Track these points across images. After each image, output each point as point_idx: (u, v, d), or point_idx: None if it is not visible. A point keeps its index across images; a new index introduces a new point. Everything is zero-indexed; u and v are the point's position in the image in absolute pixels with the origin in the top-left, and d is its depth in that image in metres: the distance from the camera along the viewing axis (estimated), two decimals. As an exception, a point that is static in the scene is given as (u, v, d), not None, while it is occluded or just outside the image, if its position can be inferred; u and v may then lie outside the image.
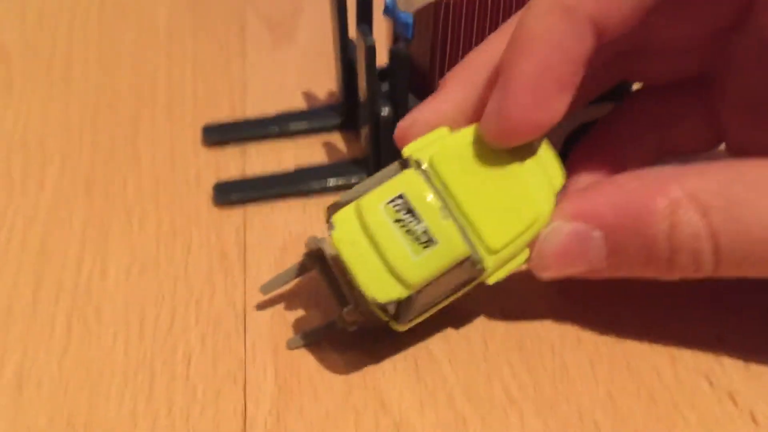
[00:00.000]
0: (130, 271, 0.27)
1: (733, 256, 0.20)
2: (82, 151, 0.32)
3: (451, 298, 0.23)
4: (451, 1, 0.26)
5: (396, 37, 0.29)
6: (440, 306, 0.23)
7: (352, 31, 0.29)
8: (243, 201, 0.29)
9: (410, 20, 0.27)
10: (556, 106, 0.21)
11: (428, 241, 0.21)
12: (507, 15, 0.27)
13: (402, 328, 0.23)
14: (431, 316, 0.23)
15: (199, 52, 0.38)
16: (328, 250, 0.23)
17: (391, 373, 0.24)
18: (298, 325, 0.25)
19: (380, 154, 0.29)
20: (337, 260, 0.22)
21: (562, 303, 0.26)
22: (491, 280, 0.22)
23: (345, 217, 0.21)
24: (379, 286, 0.21)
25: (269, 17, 0.41)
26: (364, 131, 0.30)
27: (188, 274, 0.27)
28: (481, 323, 0.25)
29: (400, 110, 0.27)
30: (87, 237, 0.28)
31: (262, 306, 0.26)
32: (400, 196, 0.21)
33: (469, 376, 0.23)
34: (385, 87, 0.29)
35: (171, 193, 0.30)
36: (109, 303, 0.26)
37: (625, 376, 0.24)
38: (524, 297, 0.26)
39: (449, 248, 0.21)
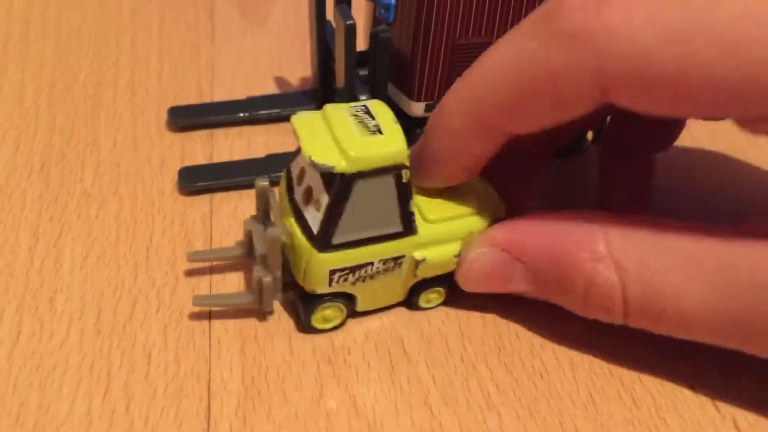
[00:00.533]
0: (87, 258, 0.25)
1: (641, 316, 0.21)
2: (37, 130, 0.30)
3: (379, 255, 0.22)
4: None
5: (376, 22, 0.28)
6: (368, 258, 0.22)
7: (330, 14, 0.28)
8: (210, 189, 0.28)
9: (392, 2, 0.26)
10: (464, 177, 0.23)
11: (376, 132, 0.21)
12: (493, 2, 0.26)
13: (322, 261, 0.21)
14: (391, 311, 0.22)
15: (166, 33, 0.36)
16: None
17: (365, 372, 0.22)
18: (264, 319, 0.24)
19: None
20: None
21: (542, 304, 0.25)
22: (418, 254, 0.22)
23: (305, 114, 0.22)
24: (322, 154, 0.21)
25: (240, -2, 0.39)
26: None
27: (150, 262, 0.25)
28: (459, 323, 0.24)
29: (379, 97, 0.26)
30: (41, 221, 0.26)
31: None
32: (364, 106, 0.22)
33: (446, 378, 0.22)
34: (364, 73, 0.28)
35: (132, 178, 0.28)
36: (64, 292, 0.24)
37: (606, 379, 0.23)
38: (503, 297, 0.25)
39: (391, 142, 0.21)
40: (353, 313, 0.24)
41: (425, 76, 0.26)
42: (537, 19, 0.20)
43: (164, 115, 0.31)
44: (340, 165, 0.21)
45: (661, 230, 0.21)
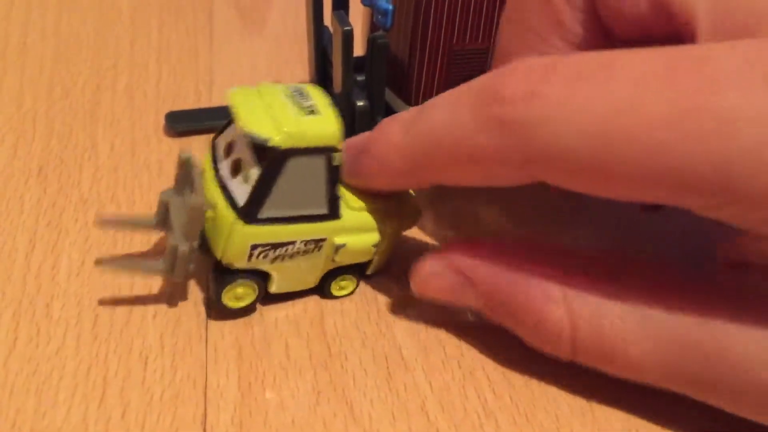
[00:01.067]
0: (84, 263, 0.25)
1: (589, 357, 0.21)
2: (35, 134, 0.30)
3: (302, 235, 0.22)
4: None
5: (374, 27, 0.28)
6: (290, 236, 0.22)
7: (327, 20, 0.28)
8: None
9: (390, 7, 0.26)
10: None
11: (312, 112, 0.22)
12: (491, 8, 0.26)
13: (245, 234, 0.21)
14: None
15: (164, 37, 0.36)
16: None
17: (362, 379, 0.22)
18: (260, 324, 0.24)
19: None
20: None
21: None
22: (339, 239, 0.23)
23: (242, 89, 0.23)
24: (259, 126, 0.21)
25: (239, 2, 0.39)
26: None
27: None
28: (455, 329, 0.24)
29: (377, 102, 0.26)
30: (38, 226, 0.26)
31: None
32: (300, 88, 0.23)
33: (443, 385, 0.22)
34: (361, 78, 0.28)
35: (130, 183, 0.28)
36: (61, 298, 0.24)
37: (604, 384, 0.23)
38: (501, 301, 0.25)
39: (327, 124, 0.22)
40: (265, 296, 0.23)
41: (422, 82, 0.26)
42: (477, 95, 0.20)
43: (162, 120, 0.31)
44: (275, 139, 0.21)
45: (619, 276, 0.21)
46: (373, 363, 0.23)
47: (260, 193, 0.21)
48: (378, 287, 0.25)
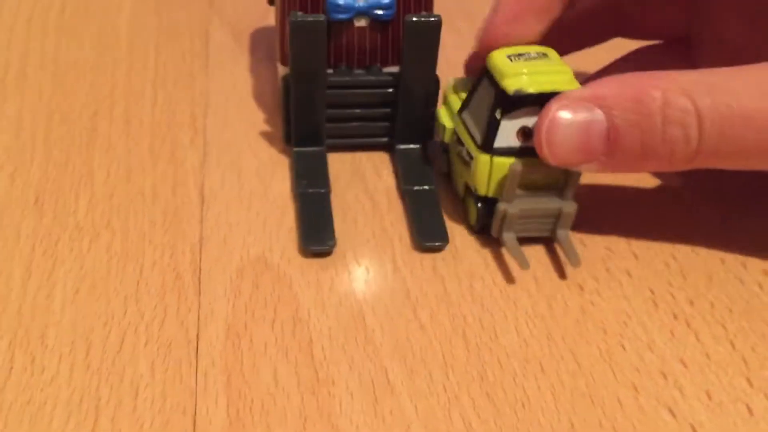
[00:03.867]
0: (79, 292, 0.26)
1: (714, 134, 0.24)
2: (33, 162, 0.31)
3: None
4: None
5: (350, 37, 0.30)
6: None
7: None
8: None
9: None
10: (529, 28, 0.27)
11: (544, 56, 0.26)
12: None
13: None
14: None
15: (161, 62, 0.37)
16: None
17: (348, 404, 0.23)
18: (250, 349, 0.24)
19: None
20: None
21: (524, 332, 0.25)
22: None
23: (512, 79, 0.26)
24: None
25: (234, 25, 0.40)
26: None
27: (139, 295, 0.26)
28: (442, 351, 0.24)
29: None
30: (35, 255, 0.27)
31: (215, 332, 0.25)
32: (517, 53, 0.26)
33: (428, 409, 0.23)
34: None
35: (125, 210, 0.29)
36: (55, 327, 0.25)
37: (587, 407, 0.23)
38: (487, 326, 0.25)
39: (559, 65, 0.26)
40: None
41: None
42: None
43: (157, 145, 0.32)
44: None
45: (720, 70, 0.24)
46: (359, 387, 0.23)
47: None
48: (368, 309, 0.26)
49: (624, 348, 0.25)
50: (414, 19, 0.28)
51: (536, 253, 0.28)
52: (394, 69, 0.30)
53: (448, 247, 0.28)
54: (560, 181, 0.27)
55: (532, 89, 0.25)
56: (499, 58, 0.26)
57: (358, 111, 0.31)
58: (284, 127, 0.31)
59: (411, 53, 0.29)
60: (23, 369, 0.23)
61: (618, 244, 0.28)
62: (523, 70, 0.25)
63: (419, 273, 0.27)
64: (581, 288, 0.27)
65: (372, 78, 0.30)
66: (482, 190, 0.27)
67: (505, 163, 0.26)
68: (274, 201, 0.30)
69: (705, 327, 0.26)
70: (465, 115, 0.28)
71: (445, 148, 0.31)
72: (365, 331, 0.25)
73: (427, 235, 0.28)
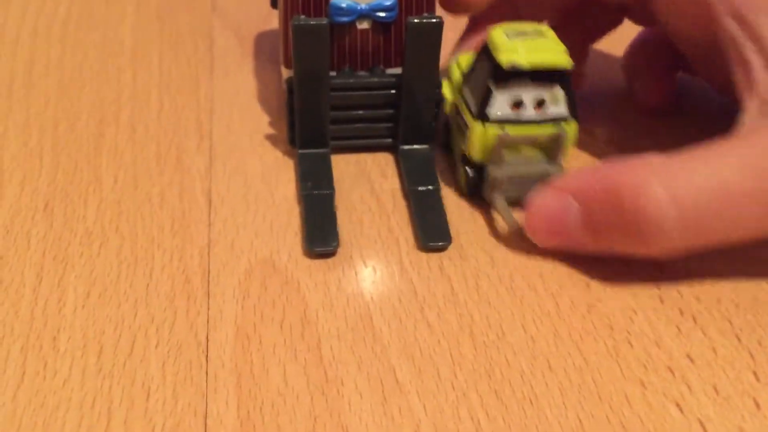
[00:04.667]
0: (89, 296, 0.26)
1: (691, 221, 0.24)
2: (42, 170, 0.31)
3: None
4: None
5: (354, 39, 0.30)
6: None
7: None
8: None
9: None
10: None
11: (540, 34, 0.28)
12: None
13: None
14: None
15: (166, 68, 0.37)
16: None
17: (357, 403, 0.23)
18: (259, 350, 0.24)
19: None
20: None
21: (531, 330, 0.25)
22: None
23: (505, 53, 0.27)
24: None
25: (237, 29, 0.40)
26: None
27: (149, 298, 0.26)
28: (449, 350, 0.25)
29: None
30: (45, 261, 0.27)
31: (225, 334, 0.25)
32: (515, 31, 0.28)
33: (436, 407, 0.23)
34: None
35: (133, 215, 0.29)
36: (66, 331, 0.25)
37: (595, 403, 0.23)
38: (494, 324, 0.25)
39: (555, 43, 0.27)
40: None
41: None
42: None
43: (164, 151, 0.32)
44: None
45: (696, 153, 0.24)
46: (368, 387, 0.23)
47: (573, 99, 0.28)
48: (375, 309, 0.26)
49: (631, 344, 0.25)
50: (416, 20, 0.28)
51: (541, 251, 0.28)
52: (397, 70, 0.30)
53: (454, 247, 0.28)
54: (550, 147, 0.28)
55: (524, 63, 0.27)
56: (497, 35, 0.28)
57: (361, 113, 0.31)
58: (288, 129, 0.31)
59: (413, 54, 0.29)
60: (36, 373, 0.24)
61: (623, 241, 0.28)
62: (518, 46, 0.27)
63: (426, 273, 0.27)
64: (587, 285, 0.27)
65: (375, 80, 0.30)
66: (476, 156, 0.28)
67: (497, 131, 0.28)
68: (281, 204, 0.30)
69: (711, 322, 0.26)
70: (465, 88, 0.29)
71: (446, 121, 0.32)
72: (373, 330, 0.25)
73: (431, 236, 0.28)
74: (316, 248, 0.27)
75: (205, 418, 0.22)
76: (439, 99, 0.31)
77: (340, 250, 0.28)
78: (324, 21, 0.28)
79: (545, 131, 0.28)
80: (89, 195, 0.30)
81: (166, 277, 0.27)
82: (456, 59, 0.31)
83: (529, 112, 0.27)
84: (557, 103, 0.27)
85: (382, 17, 0.29)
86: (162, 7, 0.42)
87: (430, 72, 0.30)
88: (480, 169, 0.29)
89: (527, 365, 0.24)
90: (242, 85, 0.36)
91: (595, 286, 0.27)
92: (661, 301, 0.26)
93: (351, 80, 0.30)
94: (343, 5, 0.29)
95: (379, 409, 0.23)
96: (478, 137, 0.28)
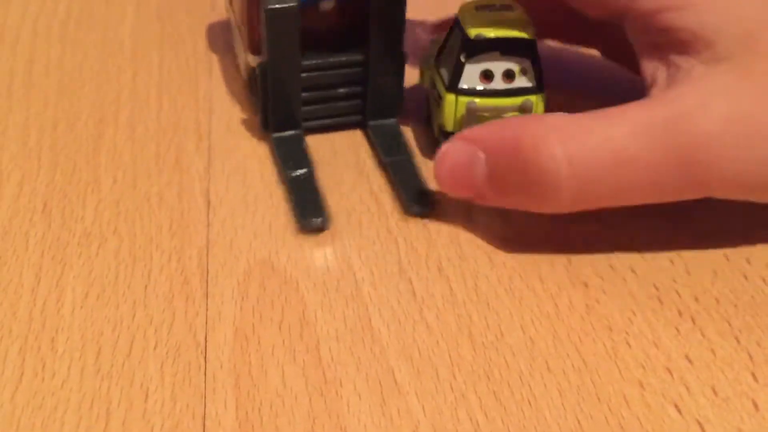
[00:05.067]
0: (88, 297, 0.26)
1: (585, 179, 0.25)
2: (40, 169, 0.31)
3: None
4: None
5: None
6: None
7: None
8: None
9: None
10: None
11: (508, 8, 0.29)
12: None
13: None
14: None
15: (165, 67, 0.37)
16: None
17: (356, 404, 0.23)
18: (257, 351, 0.24)
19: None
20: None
21: (530, 331, 0.25)
22: None
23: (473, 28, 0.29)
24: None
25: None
26: None
27: (147, 299, 0.26)
28: (448, 351, 0.25)
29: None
30: (43, 262, 0.27)
31: (223, 335, 0.25)
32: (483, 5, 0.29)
33: (435, 408, 0.23)
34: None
35: (131, 215, 0.29)
36: (65, 332, 0.25)
37: (593, 404, 0.23)
38: (493, 325, 0.25)
39: (521, 15, 0.29)
40: None
41: None
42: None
43: (163, 151, 0.32)
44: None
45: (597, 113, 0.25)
46: (367, 388, 0.23)
47: (540, 69, 0.29)
48: (374, 310, 0.26)
49: (629, 345, 0.25)
50: None
51: (541, 252, 0.28)
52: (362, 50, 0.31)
53: (452, 248, 0.28)
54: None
55: (491, 35, 0.28)
56: (467, 9, 0.29)
57: (330, 92, 0.32)
58: (260, 114, 0.32)
59: (377, 30, 0.30)
60: (34, 374, 0.24)
61: (622, 241, 0.28)
62: (485, 19, 0.29)
63: (425, 273, 0.27)
64: (586, 285, 0.27)
65: (342, 59, 0.31)
66: (449, 126, 0.30)
67: (467, 101, 0.29)
68: (279, 204, 0.30)
69: (710, 323, 0.26)
70: (439, 61, 0.30)
71: (427, 96, 0.33)
72: (372, 331, 0.25)
73: (413, 202, 0.29)
74: (310, 218, 0.28)
75: (204, 419, 0.22)
76: (402, 73, 0.32)
77: (340, 252, 0.28)
78: (294, 4, 0.28)
79: (513, 102, 0.29)
80: (88, 195, 0.30)
81: (164, 277, 0.27)
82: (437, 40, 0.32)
83: (498, 84, 0.29)
84: (526, 75, 0.29)
85: None
86: (162, 7, 0.42)
87: (395, 46, 0.31)
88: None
89: (526, 366, 0.24)
90: (242, 86, 0.36)
91: (594, 287, 0.27)
92: (660, 302, 0.26)
93: (318, 61, 0.31)
94: None
95: (377, 410, 0.23)
96: (449, 108, 0.29)
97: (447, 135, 0.30)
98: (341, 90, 0.32)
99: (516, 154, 0.25)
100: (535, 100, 0.29)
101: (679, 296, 0.27)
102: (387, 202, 0.30)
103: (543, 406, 0.23)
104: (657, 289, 0.27)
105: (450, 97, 0.29)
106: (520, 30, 0.28)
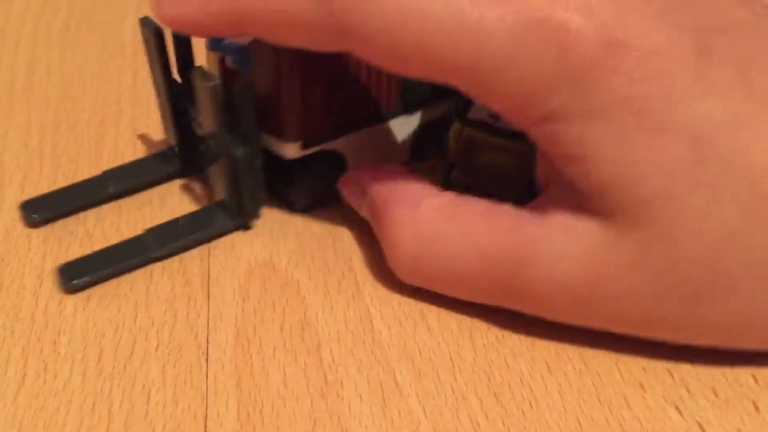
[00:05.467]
0: (90, 298, 0.26)
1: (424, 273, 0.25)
2: (42, 171, 0.31)
3: None
4: None
5: (225, 70, 0.27)
6: None
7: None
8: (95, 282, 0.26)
9: (247, 49, 0.25)
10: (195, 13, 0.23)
11: None
12: None
13: None
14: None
15: (166, 68, 0.37)
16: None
17: (357, 406, 0.23)
18: (259, 353, 0.24)
19: (241, 196, 0.27)
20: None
21: (532, 333, 0.25)
22: None
23: None
24: None
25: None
26: (213, 175, 0.28)
27: (149, 301, 0.26)
28: (450, 353, 0.25)
29: (252, 146, 0.26)
30: (45, 262, 0.27)
31: (225, 336, 0.25)
32: None
33: (436, 409, 0.23)
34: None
35: (133, 217, 0.29)
36: (67, 334, 0.25)
37: (594, 406, 0.23)
38: (493, 327, 0.26)
39: None
40: None
41: (296, 116, 0.26)
42: None
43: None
44: None
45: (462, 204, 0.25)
46: (368, 389, 0.23)
47: None
48: (375, 312, 0.26)
49: (630, 346, 0.25)
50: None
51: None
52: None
53: (453, 249, 0.28)
54: (511, 169, 0.28)
55: None
56: None
57: None
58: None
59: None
60: (36, 376, 0.24)
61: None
62: None
63: (425, 275, 0.27)
64: (587, 287, 0.27)
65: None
66: (450, 155, 0.29)
67: (468, 131, 0.28)
68: (280, 205, 0.30)
69: (710, 324, 0.26)
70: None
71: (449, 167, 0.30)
72: (373, 333, 0.25)
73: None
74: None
75: (205, 420, 0.23)
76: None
77: (340, 252, 0.28)
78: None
79: (509, 144, 0.27)
80: (90, 197, 0.30)
81: (166, 279, 0.27)
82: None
83: (503, 123, 0.27)
84: None
85: (234, 62, 0.27)
86: (162, 7, 0.42)
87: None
88: (453, 168, 0.29)
89: (527, 368, 0.24)
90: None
91: (595, 288, 0.27)
92: (661, 304, 0.26)
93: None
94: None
95: (378, 411, 0.23)
96: (453, 136, 0.28)
97: (450, 164, 0.29)
98: None
99: (379, 229, 0.26)
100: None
101: (680, 298, 0.27)
102: (388, 203, 0.30)
103: (544, 407, 0.23)
104: (657, 290, 0.27)
105: (456, 126, 0.28)
106: None
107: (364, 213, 0.27)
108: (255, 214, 0.28)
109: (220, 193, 0.28)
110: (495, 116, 0.27)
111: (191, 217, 0.28)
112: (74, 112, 0.34)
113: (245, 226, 0.29)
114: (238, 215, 0.28)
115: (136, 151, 0.32)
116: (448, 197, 0.25)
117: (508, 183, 0.28)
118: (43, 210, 0.29)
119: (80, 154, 0.32)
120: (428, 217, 0.25)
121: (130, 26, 0.40)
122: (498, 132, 0.27)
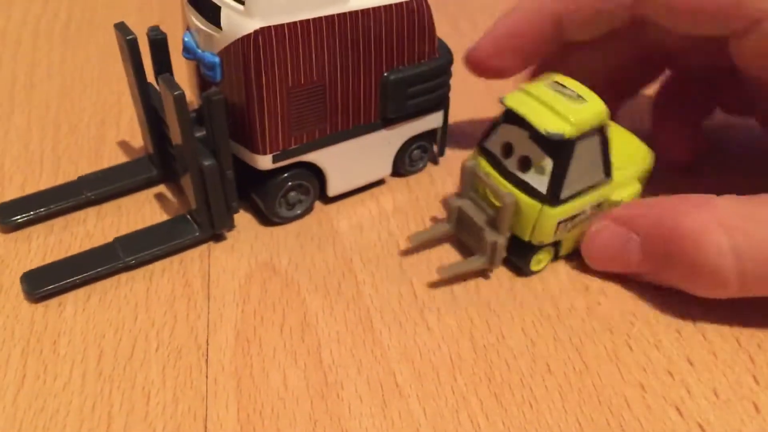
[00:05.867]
0: (90, 300, 0.26)
1: (755, 271, 0.23)
2: (42, 173, 0.31)
3: (590, 202, 0.26)
4: (259, 36, 0.24)
5: (201, 79, 0.27)
6: (582, 206, 0.26)
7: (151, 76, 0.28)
8: (61, 290, 0.26)
9: (216, 60, 0.25)
10: (505, 63, 0.29)
11: (580, 99, 0.25)
12: (320, 46, 0.25)
13: (553, 215, 0.25)
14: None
15: (166, 69, 0.37)
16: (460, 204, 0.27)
17: (357, 407, 0.23)
18: (259, 354, 0.24)
19: (210, 204, 0.27)
20: (464, 216, 0.27)
21: (531, 333, 0.25)
22: (616, 196, 0.27)
23: (512, 94, 0.26)
24: (549, 123, 0.24)
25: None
26: (187, 184, 0.28)
27: (149, 302, 0.26)
28: (450, 355, 0.25)
29: (223, 157, 0.26)
30: (46, 263, 0.27)
31: (225, 337, 0.25)
32: (556, 82, 0.26)
33: (436, 411, 0.23)
34: (200, 134, 0.27)
35: (133, 217, 0.29)
36: (67, 335, 0.25)
37: (594, 406, 0.23)
38: (494, 327, 0.25)
39: (596, 105, 0.25)
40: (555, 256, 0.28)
41: (266, 128, 0.26)
42: None
43: (164, 154, 0.32)
44: (566, 130, 0.24)
45: (760, 197, 0.24)
46: (368, 390, 0.23)
47: (559, 179, 0.25)
48: (375, 312, 0.26)
49: (630, 347, 0.25)
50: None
51: (542, 254, 0.28)
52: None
53: (454, 250, 0.28)
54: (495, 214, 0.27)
55: (521, 110, 0.25)
56: (544, 77, 0.26)
57: None
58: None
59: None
60: (36, 377, 0.24)
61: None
62: (541, 94, 0.25)
63: (425, 275, 0.27)
64: (587, 288, 0.27)
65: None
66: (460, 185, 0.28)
67: (475, 158, 0.27)
68: (281, 207, 0.30)
69: (711, 325, 0.26)
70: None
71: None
72: (373, 334, 0.25)
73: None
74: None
75: (205, 421, 0.23)
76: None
77: (339, 253, 0.28)
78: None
79: (504, 188, 0.26)
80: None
81: (166, 280, 0.27)
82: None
83: (512, 163, 0.26)
84: (542, 174, 0.25)
85: (207, 75, 0.26)
86: (163, 9, 0.42)
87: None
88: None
89: (527, 368, 0.24)
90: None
91: (595, 289, 0.27)
92: (661, 305, 0.26)
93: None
94: (185, 38, 0.27)
95: (379, 412, 0.23)
96: (464, 162, 0.27)
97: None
98: None
99: (675, 243, 0.24)
100: (526, 205, 0.25)
101: (680, 299, 0.27)
102: (388, 204, 0.30)
103: (544, 408, 0.23)
104: (658, 291, 0.27)
105: (474, 152, 0.27)
106: (560, 124, 0.24)
107: (634, 251, 0.26)
108: (227, 225, 0.28)
109: (194, 202, 0.28)
110: (508, 151, 0.26)
111: (162, 226, 0.28)
112: (74, 113, 0.34)
113: (217, 237, 0.28)
114: (209, 226, 0.27)
115: (136, 153, 0.32)
116: (735, 202, 0.24)
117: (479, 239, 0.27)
118: (18, 214, 0.28)
119: (81, 154, 0.32)
120: (725, 204, 0.24)
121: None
122: (503, 172, 0.26)
